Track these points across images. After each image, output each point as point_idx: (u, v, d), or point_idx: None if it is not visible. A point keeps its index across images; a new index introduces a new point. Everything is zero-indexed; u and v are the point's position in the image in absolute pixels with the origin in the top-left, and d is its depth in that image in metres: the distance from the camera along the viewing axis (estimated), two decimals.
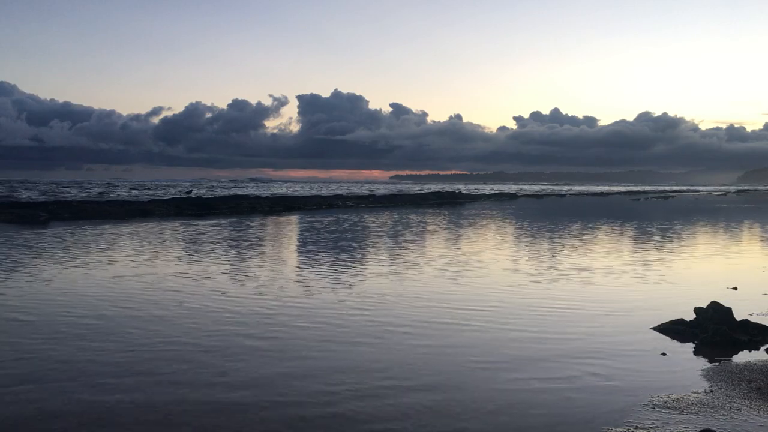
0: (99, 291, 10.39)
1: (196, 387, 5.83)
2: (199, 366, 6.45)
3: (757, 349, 7.32)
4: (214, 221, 27.09)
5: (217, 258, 14.54)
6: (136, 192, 60.18)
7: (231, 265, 13.48)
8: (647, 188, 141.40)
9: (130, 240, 18.56)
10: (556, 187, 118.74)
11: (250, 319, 8.46)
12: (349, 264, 13.78)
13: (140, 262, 13.64)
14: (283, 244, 18.27)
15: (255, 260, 14.32)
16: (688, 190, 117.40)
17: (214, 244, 17.69)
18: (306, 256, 15.35)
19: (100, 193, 55.78)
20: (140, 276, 11.86)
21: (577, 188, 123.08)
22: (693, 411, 5.33)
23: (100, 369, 6.30)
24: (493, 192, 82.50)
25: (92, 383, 5.87)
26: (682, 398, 5.62)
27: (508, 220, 30.13)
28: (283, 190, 78.66)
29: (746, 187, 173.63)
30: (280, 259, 14.68)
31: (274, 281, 11.50)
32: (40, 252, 15.35)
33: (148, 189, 69.44)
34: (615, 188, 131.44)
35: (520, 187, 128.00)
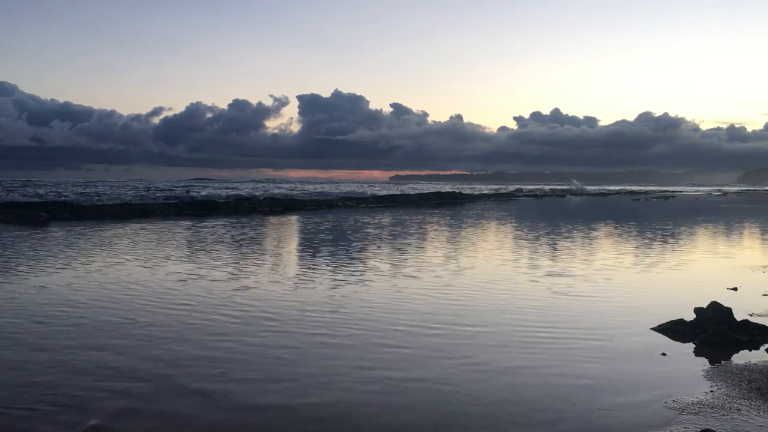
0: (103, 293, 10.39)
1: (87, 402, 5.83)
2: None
3: (757, 349, 7.31)
4: (213, 222, 27.09)
5: (202, 260, 14.54)
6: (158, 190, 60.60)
7: (212, 267, 13.48)
8: (637, 188, 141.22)
9: (129, 240, 18.56)
10: (557, 187, 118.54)
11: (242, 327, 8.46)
12: (336, 268, 13.78)
13: (137, 263, 13.65)
14: (275, 246, 18.26)
15: (241, 262, 14.32)
16: (686, 191, 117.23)
17: (204, 244, 17.70)
18: (295, 259, 15.35)
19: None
20: (124, 279, 11.87)
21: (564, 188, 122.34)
22: (693, 411, 5.32)
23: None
24: (493, 192, 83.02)
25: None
26: (682, 398, 5.61)
27: (508, 221, 30.13)
28: (293, 191, 78.42)
29: (745, 188, 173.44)
30: (268, 262, 14.67)
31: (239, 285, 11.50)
32: (35, 254, 15.35)
33: (185, 187, 71.19)
34: (614, 188, 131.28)
35: (523, 187, 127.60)
